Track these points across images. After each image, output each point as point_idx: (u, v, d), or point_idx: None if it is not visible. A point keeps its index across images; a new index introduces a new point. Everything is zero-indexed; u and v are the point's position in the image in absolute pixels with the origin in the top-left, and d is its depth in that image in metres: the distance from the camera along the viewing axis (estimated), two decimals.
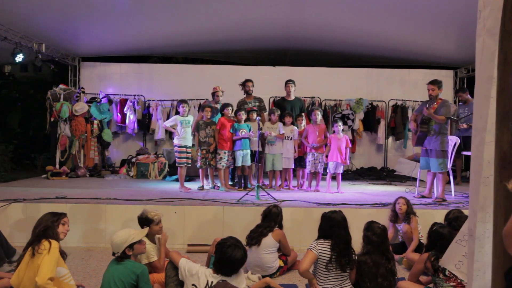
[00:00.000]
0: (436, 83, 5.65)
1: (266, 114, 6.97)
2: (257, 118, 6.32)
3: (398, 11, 6.96)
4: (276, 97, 9.12)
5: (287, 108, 6.92)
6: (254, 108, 6.73)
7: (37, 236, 2.84)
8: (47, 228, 2.88)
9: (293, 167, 6.70)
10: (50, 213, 3.06)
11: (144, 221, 3.54)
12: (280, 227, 3.99)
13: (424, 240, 4.36)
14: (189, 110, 6.68)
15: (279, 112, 6.71)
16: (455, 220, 3.72)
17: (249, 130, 6.40)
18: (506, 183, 1.41)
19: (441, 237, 3.27)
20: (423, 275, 3.45)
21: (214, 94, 6.86)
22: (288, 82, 7.02)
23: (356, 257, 3.20)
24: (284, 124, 6.64)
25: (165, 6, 6.96)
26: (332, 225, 3.24)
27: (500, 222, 1.46)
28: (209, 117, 6.47)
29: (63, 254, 2.91)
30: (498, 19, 1.55)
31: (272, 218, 3.92)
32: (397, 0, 6.50)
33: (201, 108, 6.65)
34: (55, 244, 2.82)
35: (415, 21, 7.35)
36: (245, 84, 6.93)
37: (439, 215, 4.56)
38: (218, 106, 6.77)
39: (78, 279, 3.51)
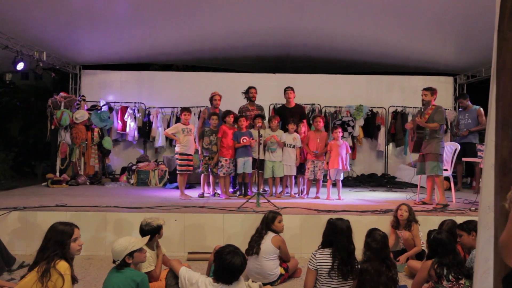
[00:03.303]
0: (428, 89, 5.81)
1: (266, 122, 6.96)
2: (259, 125, 6.33)
3: (398, 19, 6.99)
4: (276, 104, 9.16)
5: (287, 116, 6.92)
6: (259, 113, 6.75)
7: (46, 260, 2.60)
8: (56, 254, 2.63)
9: (295, 174, 6.69)
10: (60, 227, 2.77)
11: (156, 229, 3.49)
12: (274, 231, 3.93)
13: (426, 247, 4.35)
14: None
15: (278, 119, 6.72)
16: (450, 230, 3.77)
17: (250, 137, 6.41)
18: (504, 203, 1.42)
19: (440, 243, 3.28)
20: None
21: (212, 99, 6.86)
22: (287, 89, 7.03)
23: (359, 266, 3.17)
24: (287, 131, 6.65)
25: (165, 14, 7.00)
26: (335, 232, 3.23)
27: (501, 229, 1.46)
28: (215, 125, 6.48)
29: (74, 281, 2.70)
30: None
31: (263, 222, 3.90)
32: (397, 7, 6.53)
33: (207, 116, 6.65)
34: (67, 271, 2.60)
35: (415, 28, 7.39)
36: (248, 91, 6.97)
37: (439, 221, 4.54)
38: (219, 111, 6.77)
39: (78, 287, 3.49)
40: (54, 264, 2.59)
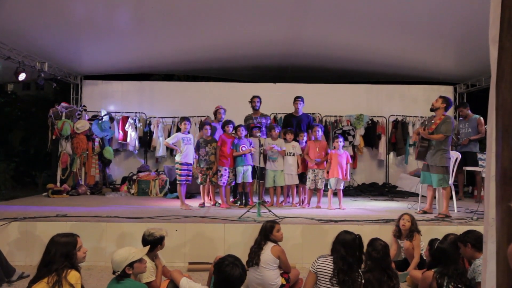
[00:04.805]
0: (442, 98, 5.74)
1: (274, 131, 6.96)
2: (259, 134, 6.34)
3: (397, 28, 7.04)
4: (276, 113, 9.18)
5: (293, 124, 6.97)
6: (258, 125, 6.76)
7: (56, 273, 2.58)
8: (65, 265, 2.61)
9: (296, 183, 6.67)
10: (62, 239, 2.76)
11: (159, 240, 3.47)
12: (273, 241, 3.91)
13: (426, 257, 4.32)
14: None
15: (279, 129, 6.75)
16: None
17: (250, 145, 6.40)
18: (510, 204, 1.41)
19: (444, 252, 3.26)
20: None
21: (216, 112, 6.92)
22: (296, 99, 7.12)
23: (363, 281, 3.13)
24: (285, 140, 6.66)
25: (166, 24, 7.05)
26: (336, 241, 3.22)
27: (502, 239, 1.45)
28: (208, 134, 6.49)
29: None
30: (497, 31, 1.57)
31: (262, 233, 3.87)
32: (396, 17, 6.58)
33: (200, 126, 6.71)
34: (78, 281, 2.59)
35: (414, 38, 7.43)
36: (252, 100, 7.10)
37: (442, 231, 4.52)
38: (220, 124, 6.79)
39: None
40: (66, 274, 2.58)
